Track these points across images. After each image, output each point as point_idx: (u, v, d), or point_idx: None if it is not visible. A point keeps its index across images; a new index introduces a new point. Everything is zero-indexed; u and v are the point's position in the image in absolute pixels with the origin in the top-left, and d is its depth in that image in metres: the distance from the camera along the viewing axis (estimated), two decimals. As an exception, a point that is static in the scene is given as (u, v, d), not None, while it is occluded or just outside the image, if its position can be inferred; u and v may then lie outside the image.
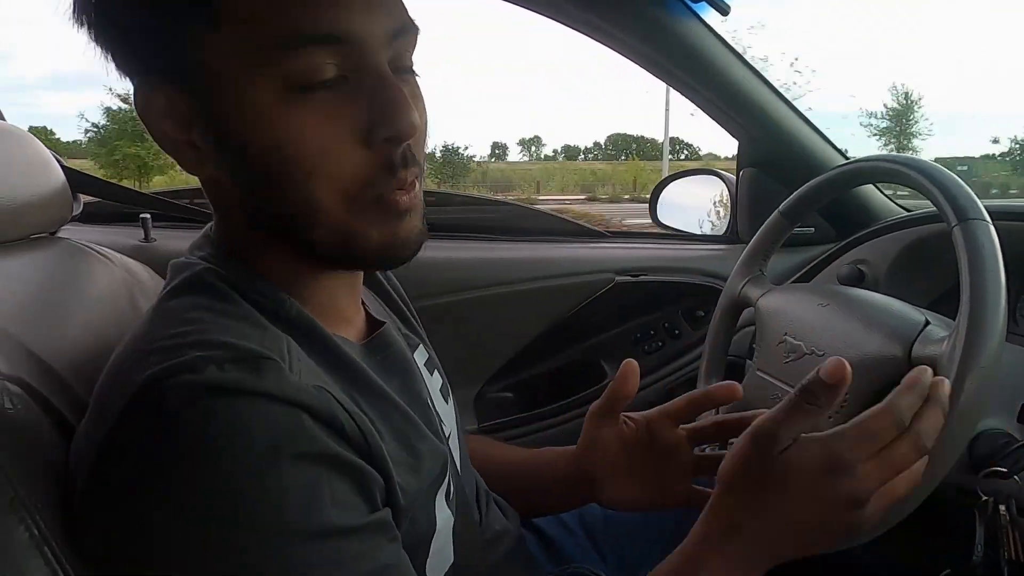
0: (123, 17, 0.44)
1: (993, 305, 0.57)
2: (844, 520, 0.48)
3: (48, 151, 0.73)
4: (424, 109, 0.49)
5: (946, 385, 0.49)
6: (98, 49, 0.46)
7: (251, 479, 0.38)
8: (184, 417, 0.38)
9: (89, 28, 0.46)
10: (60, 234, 0.76)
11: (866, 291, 0.77)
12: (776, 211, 0.85)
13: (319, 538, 0.40)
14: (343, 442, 0.43)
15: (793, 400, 0.48)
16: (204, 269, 0.47)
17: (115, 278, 0.71)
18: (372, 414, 0.47)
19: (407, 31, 0.47)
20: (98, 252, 0.74)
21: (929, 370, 0.49)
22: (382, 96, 0.44)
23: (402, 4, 0.47)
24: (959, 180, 0.64)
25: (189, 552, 0.38)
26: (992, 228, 0.61)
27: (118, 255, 0.76)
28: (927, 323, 0.64)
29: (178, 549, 0.38)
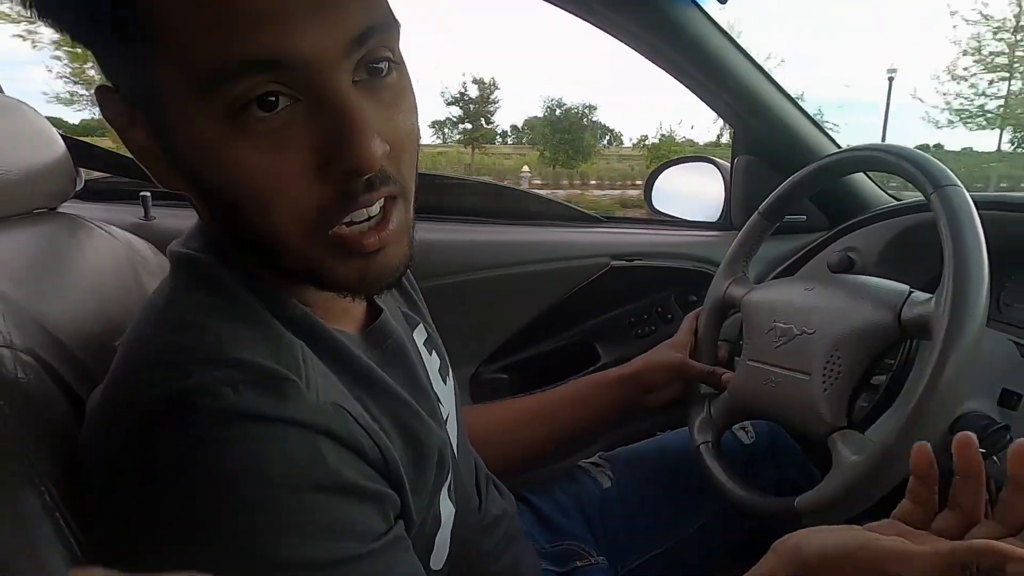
0: (78, 36, 0.41)
1: (976, 258, 0.59)
2: None
3: (49, 124, 0.73)
4: (410, 107, 0.44)
5: None
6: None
7: (269, 510, 0.37)
8: (199, 444, 0.37)
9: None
10: (61, 210, 0.77)
11: (849, 275, 0.79)
12: (756, 212, 0.88)
13: (338, 566, 0.39)
14: (364, 465, 0.42)
15: (952, 565, 0.38)
16: (209, 263, 0.46)
17: (118, 253, 0.71)
18: (380, 414, 0.48)
19: (373, 32, 0.40)
20: (101, 228, 0.74)
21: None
22: (338, 125, 0.39)
23: (363, 6, 0.40)
24: (930, 156, 0.68)
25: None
26: (965, 192, 0.63)
27: (120, 231, 0.76)
28: (911, 291, 0.67)
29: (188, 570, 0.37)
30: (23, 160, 0.66)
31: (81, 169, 0.83)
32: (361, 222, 0.42)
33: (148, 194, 1.07)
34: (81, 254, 0.68)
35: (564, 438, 0.88)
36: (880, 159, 0.72)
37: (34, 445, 0.43)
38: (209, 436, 0.37)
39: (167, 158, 0.43)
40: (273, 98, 0.38)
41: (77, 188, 0.79)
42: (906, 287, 0.68)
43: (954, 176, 0.65)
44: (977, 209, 0.63)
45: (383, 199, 0.43)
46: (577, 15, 1.03)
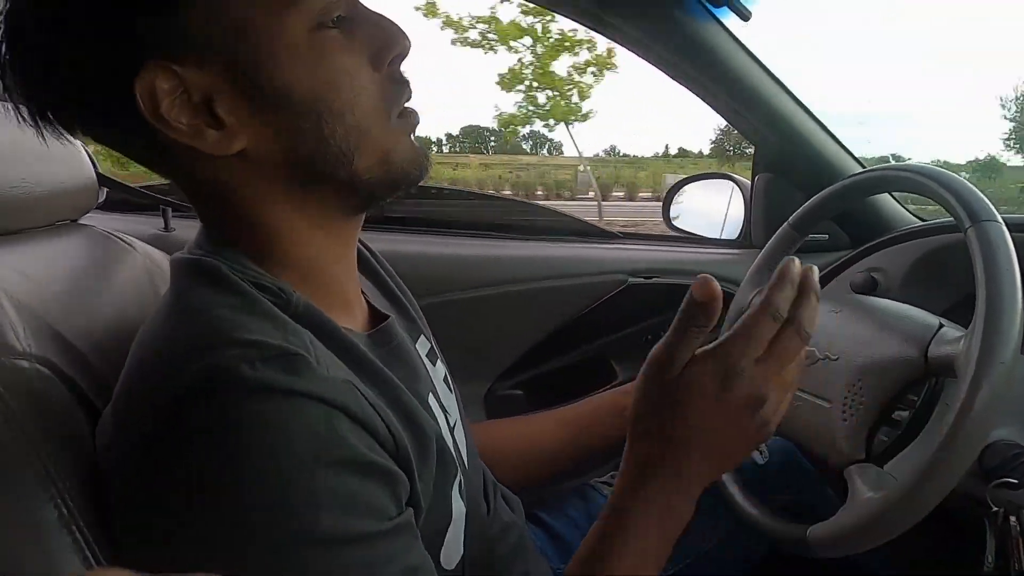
0: (117, 9, 0.42)
1: (1010, 302, 0.56)
2: (749, 424, 0.51)
3: (77, 139, 0.74)
4: None
5: (815, 272, 0.51)
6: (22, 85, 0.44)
7: (289, 483, 0.38)
8: (221, 421, 0.38)
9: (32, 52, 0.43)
10: (82, 221, 0.77)
11: (878, 298, 0.77)
12: (786, 223, 0.86)
13: (353, 543, 0.40)
14: (376, 444, 0.43)
15: (676, 325, 0.50)
16: (216, 264, 0.47)
17: (137, 264, 0.72)
18: (384, 401, 0.48)
19: None
20: (120, 239, 0.75)
21: (798, 260, 0.51)
22: (380, 23, 0.49)
23: None
24: (970, 184, 0.65)
25: (222, 552, 0.38)
26: (1005, 229, 0.61)
27: (139, 242, 0.77)
28: (941, 325, 0.64)
29: (212, 549, 0.38)
30: (50, 174, 0.66)
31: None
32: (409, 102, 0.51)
33: (168, 206, 1.08)
34: (101, 265, 0.68)
35: (584, 451, 0.86)
36: (918, 182, 0.69)
37: (51, 456, 0.43)
38: (229, 412, 0.38)
39: (233, 110, 0.45)
40: (338, 8, 0.46)
41: (100, 200, 0.80)
42: (936, 321, 0.66)
43: (993, 209, 0.62)
44: (1013, 231, 0.61)
45: None
46: (596, 30, 1.03)
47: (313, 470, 0.39)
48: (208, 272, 0.47)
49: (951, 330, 0.64)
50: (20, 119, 0.46)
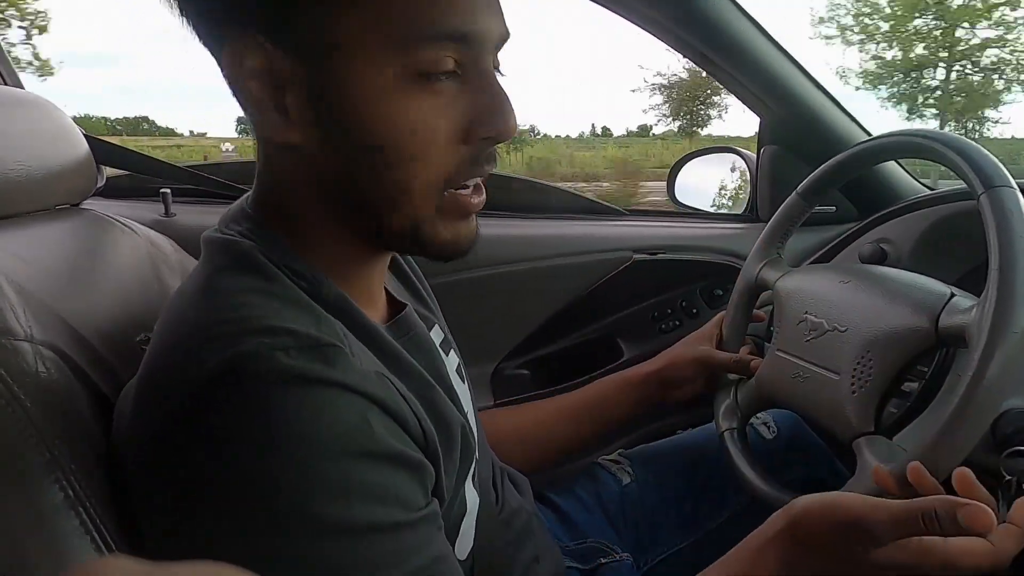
0: None
1: (1023, 270, 0.55)
2: None
3: (72, 121, 0.73)
4: None
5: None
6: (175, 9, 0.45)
7: (320, 472, 0.38)
8: (255, 406, 0.38)
9: None
10: (83, 205, 0.77)
11: (887, 268, 0.75)
12: (794, 192, 0.84)
13: (381, 533, 0.40)
14: (407, 437, 0.44)
15: (912, 513, 0.45)
16: (249, 246, 0.47)
17: (139, 249, 0.71)
18: (411, 392, 0.48)
19: (507, 38, 0.48)
20: (121, 223, 0.74)
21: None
22: (490, 95, 0.46)
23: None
24: (983, 149, 0.63)
25: (250, 539, 0.38)
26: (1020, 195, 0.59)
27: (141, 227, 0.77)
28: (952, 295, 0.63)
29: (240, 536, 0.38)
30: (45, 156, 0.66)
31: (103, 167, 0.83)
32: (470, 187, 0.49)
33: (168, 191, 1.08)
34: (102, 250, 0.68)
35: (590, 436, 0.88)
36: (929, 147, 0.67)
37: (56, 438, 0.43)
38: (265, 398, 0.38)
39: (299, 108, 0.45)
40: (447, 65, 0.44)
41: (99, 185, 0.79)
42: (947, 290, 0.64)
43: (1008, 174, 0.61)
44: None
45: None
46: (604, 5, 1.01)
47: (345, 460, 0.39)
48: (242, 254, 0.47)
49: (963, 299, 0.62)
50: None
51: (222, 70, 0.45)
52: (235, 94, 0.46)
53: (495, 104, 0.46)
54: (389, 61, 0.43)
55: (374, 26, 0.42)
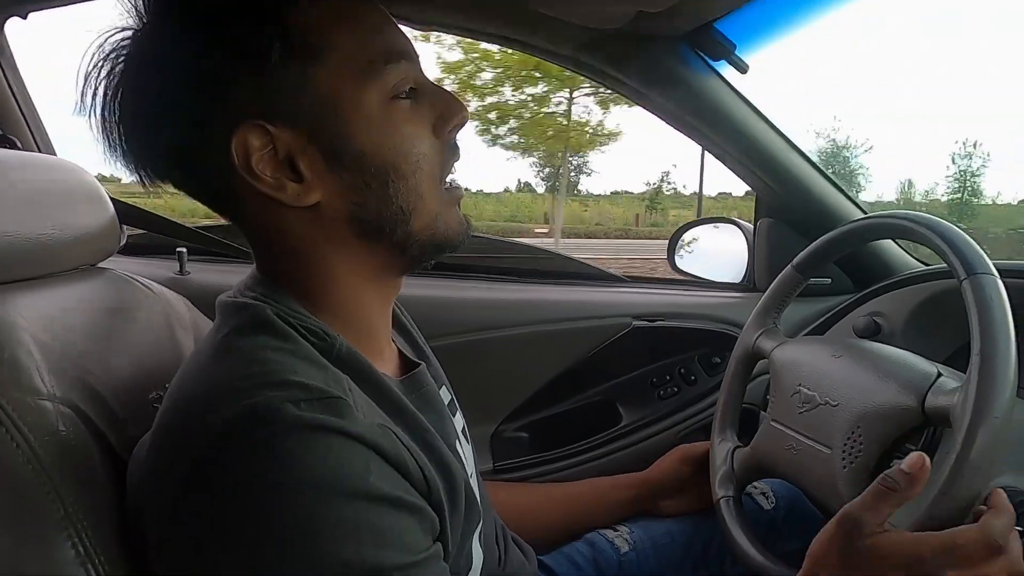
0: (223, 71, 0.48)
1: (1004, 355, 0.57)
2: None
3: (100, 185, 0.77)
4: None
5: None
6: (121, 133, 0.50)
7: (329, 514, 0.41)
8: (267, 454, 0.41)
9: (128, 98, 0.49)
10: (101, 265, 0.80)
11: (879, 344, 0.77)
12: (789, 265, 0.87)
13: (386, 572, 0.42)
14: (409, 485, 0.46)
15: (876, 488, 0.53)
16: (264, 308, 0.50)
17: (155, 308, 0.74)
18: (418, 445, 0.50)
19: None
20: (140, 283, 0.77)
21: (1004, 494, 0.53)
22: (441, 95, 0.55)
23: None
24: (967, 237, 0.66)
25: None
26: (1000, 282, 0.62)
27: (158, 286, 0.79)
28: (939, 375, 0.65)
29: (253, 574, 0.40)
30: (74, 220, 0.69)
31: (124, 227, 0.87)
32: (454, 178, 0.57)
33: (184, 250, 1.11)
34: (121, 310, 0.70)
35: (580, 529, 0.89)
36: (914, 231, 0.70)
37: (71, 496, 0.45)
38: (276, 446, 0.41)
39: (313, 166, 0.50)
40: (408, 82, 0.52)
41: (120, 245, 0.82)
42: (934, 370, 0.66)
43: (988, 261, 0.63)
44: (1011, 277, 0.62)
45: None
46: (597, 81, 1.07)
47: (350, 503, 0.41)
48: (256, 316, 0.50)
49: (949, 380, 0.64)
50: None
51: (234, 167, 0.49)
52: (247, 183, 0.49)
53: (448, 100, 0.55)
54: (367, 92, 0.50)
55: (345, 67, 0.49)
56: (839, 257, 0.86)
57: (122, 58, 0.50)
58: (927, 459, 0.50)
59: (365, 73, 0.50)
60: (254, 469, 0.41)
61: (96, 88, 0.50)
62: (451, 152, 0.56)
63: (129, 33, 0.50)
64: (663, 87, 1.03)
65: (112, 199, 0.80)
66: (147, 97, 0.49)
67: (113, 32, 0.50)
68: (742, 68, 0.99)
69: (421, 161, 0.52)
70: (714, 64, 1.02)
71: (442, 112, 0.54)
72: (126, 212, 0.89)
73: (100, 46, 0.50)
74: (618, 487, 0.90)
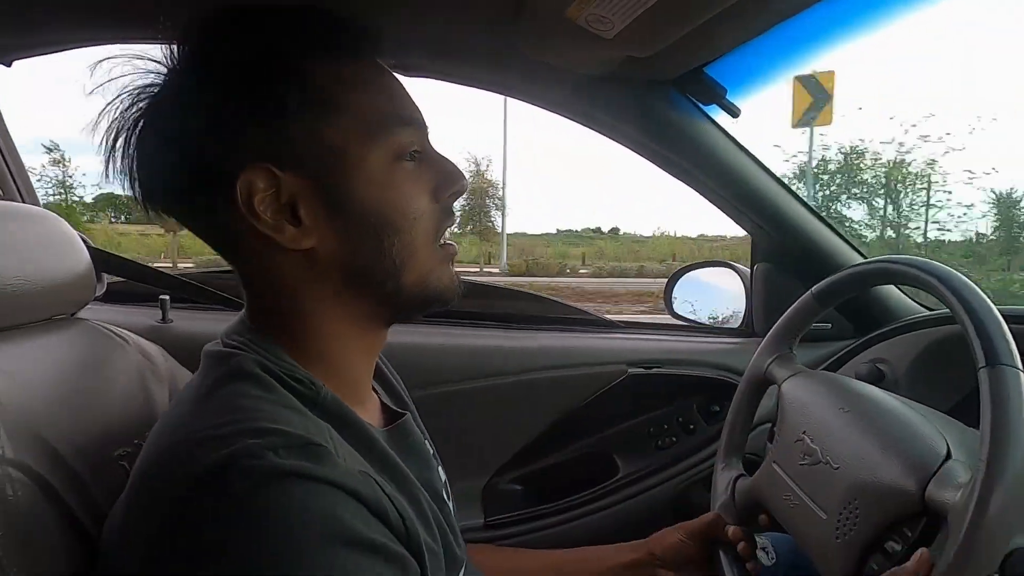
0: (241, 115, 0.50)
1: (1013, 464, 0.54)
2: None
3: (75, 232, 0.75)
4: None
5: None
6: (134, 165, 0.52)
7: (308, 561, 0.40)
8: (247, 501, 0.41)
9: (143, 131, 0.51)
10: (81, 314, 0.78)
11: (890, 399, 0.73)
12: (808, 292, 0.83)
13: None
14: (388, 531, 0.45)
15: None
16: (247, 359, 0.51)
17: (129, 362, 0.71)
18: (400, 495, 0.50)
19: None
20: (115, 334, 0.75)
21: None
22: (445, 164, 0.57)
23: None
24: (997, 314, 0.61)
25: None
26: (1022, 377, 0.57)
27: (134, 336, 0.77)
28: (948, 456, 0.61)
29: None
30: (48, 269, 0.67)
31: (104, 275, 0.85)
32: (448, 239, 0.59)
33: (167, 297, 1.09)
34: (92, 363, 0.68)
35: None
36: (938, 291, 0.65)
37: (14, 567, 0.43)
38: (254, 494, 0.41)
39: (312, 214, 0.52)
40: (413, 146, 0.55)
41: (98, 294, 0.80)
42: (943, 448, 0.62)
43: (1015, 351, 0.58)
44: (1013, 324, 0.59)
45: None
46: (589, 127, 1.06)
47: (327, 548, 0.41)
48: (238, 366, 0.50)
49: (956, 466, 0.60)
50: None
51: (237, 205, 0.50)
52: (246, 222, 0.50)
53: (449, 168, 0.57)
54: (374, 151, 0.52)
55: (356, 125, 0.52)
56: (856, 294, 0.83)
57: (146, 96, 0.52)
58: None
59: (375, 133, 0.52)
60: (233, 517, 0.40)
61: (116, 122, 0.52)
62: (446, 216, 0.57)
63: (158, 70, 0.53)
64: (654, 131, 1.03)
65: (90, 248, 0.79)
66: (165, 134, 0.51)
67: (142, 74, 0.53)
68: (734, 112, 0.99)
69: (418, 220, 0.54)
70: (705, 108, 1.01)
71: (443, 179, 0.56)
72: (105, 261, 0.87)
73: (127, 86, 0.52)
74: (620, 553, 0.85)
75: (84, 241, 0.78)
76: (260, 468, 0.41)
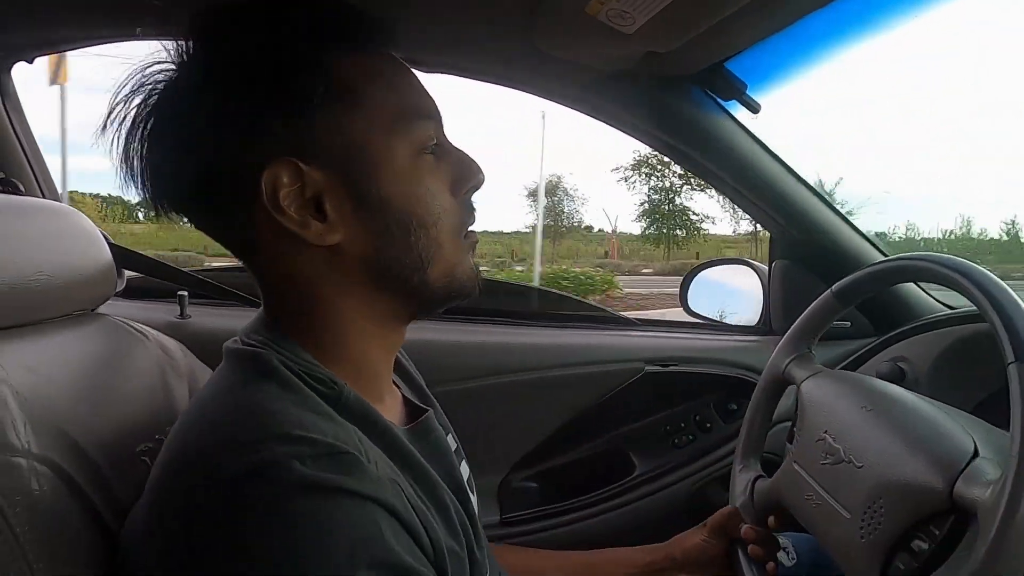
0: (265, 108, 0.49)
1: None
2: None
3: (96, 228, 0.76)
4: None
5: None
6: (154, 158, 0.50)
7: None
8: (274, 515, 0.40)
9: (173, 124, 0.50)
10: (100, 309, 0.78)
11: (913, 398, 0.72)
12: (828, 291, 0.82)
13: None
14: (416, 548, 0.44)
15: None
16: (270, 356, 0.49)
17: (150, 357, 0.72)
18: (426, 499, 0.50)
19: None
20: (136, 329, 0.75)
21: None
22: (463, 158, 0.57)
23: None
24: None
25: None
26: None
27: (153, 332, 0.77)
28: (976, 453, 0.60)
29: None
30: (69, 265, 0.68)
31: (124, 271, 0.85)
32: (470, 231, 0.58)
33: (185, 293, 1.10)
34: (113, 358, 0.68)
35: None
36: (965, 288, 0.64)
37: (41, 557, 0.43)
38: (282, 507, 0.40)
39: (338, 208, 0.51)
40: (432, 139, 0.54)
41: (118, 289, 0.81)
42: (970, 445, 0.61)
43: None
44: None
45: None
46: (608, 123, 1.05)
47: (354, 569, 0.40)
48: (262, 364, 0.49)
49: (984, 464, 0.59)
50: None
51: (263, 201, 0.49)
52: (279, 217, 0.49)
53: (467, 162, 0.57)
54: (398, 145, 0.52)
55: (379, 118, 0.51)
56: (877, 292, 0.82)
57: (158, 89, 0.51)
58: None
59: (397, 125, 0.52)
60: (259, 531, 0.40)
61: (127, 115, 0.51)
62: (468, 212, 0.57)
63: (170, 66, 0.51)
64: (674, 128, 1.02)
65: (111, 244, 0.79)
66: (179, 128, 0.49)
67: (153, 63, 0.51)
68: (754, 108, 0.98)
69: (442, 215, 0.54)
70: (725, 104, 1.00)
71: (461, 173, 0.56)
72: (125, 256, 0.88)
73: (139, 74, 0.51)
74: (637, 555, 0.85)
75: (104, 237, 0.78)
76: (287, 480, 0.40)
